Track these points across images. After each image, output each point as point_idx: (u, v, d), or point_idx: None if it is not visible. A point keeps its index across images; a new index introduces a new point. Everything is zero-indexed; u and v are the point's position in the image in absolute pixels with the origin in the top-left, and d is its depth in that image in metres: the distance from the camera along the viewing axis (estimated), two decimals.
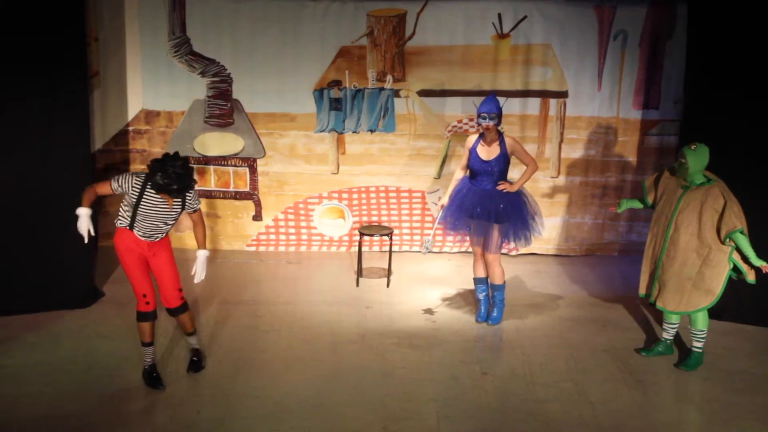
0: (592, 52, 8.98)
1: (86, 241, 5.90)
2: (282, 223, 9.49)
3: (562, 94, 9.10)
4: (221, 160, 9.31)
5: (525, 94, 9.09)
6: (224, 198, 9.40)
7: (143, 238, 5.98)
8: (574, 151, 9.24)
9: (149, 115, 9.19)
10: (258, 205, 9.43)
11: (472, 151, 7.20)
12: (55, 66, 7.15)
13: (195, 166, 9.27)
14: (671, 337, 6.88)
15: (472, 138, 7.27)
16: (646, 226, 9.34)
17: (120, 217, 5.95)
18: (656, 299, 6.70)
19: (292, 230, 9.50)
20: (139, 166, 9.22)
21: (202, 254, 6.21)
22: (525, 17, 8.87)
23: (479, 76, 9.04)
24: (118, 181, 5.84)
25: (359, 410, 5.95)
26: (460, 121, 9.17)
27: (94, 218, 6.10)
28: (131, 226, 5.92)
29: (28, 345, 6.84)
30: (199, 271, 6.20)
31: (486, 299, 7.55)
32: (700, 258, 6.44)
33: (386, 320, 7.56)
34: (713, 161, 6.46)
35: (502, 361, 6.81)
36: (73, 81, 7.34)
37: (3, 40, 6.95)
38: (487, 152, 7.14)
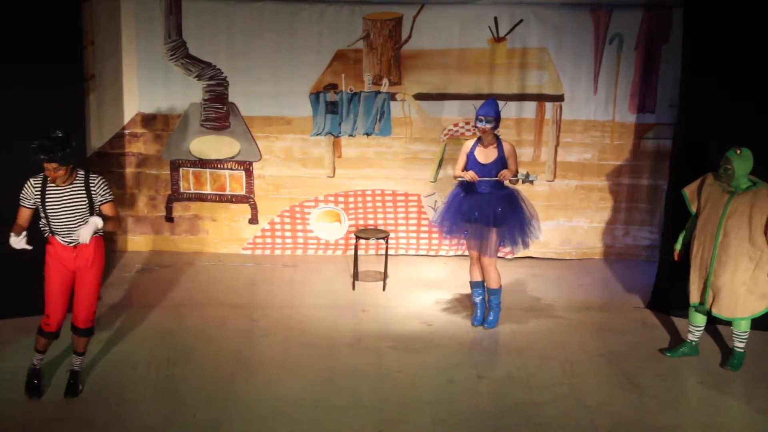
0: (588, 56, 8.98)
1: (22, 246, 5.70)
2: (278, 227, 9.48)
3: (558, 98, 9.10)
4: (217, 164, 9.30)
5: (521, 97, 9.09)
6: (220, 201, 9.39)
7: (67, 243, 5.83)
8: (570, 155, 9.24)
9: (145, 119, 9.18)
10: (254, 208, 9.42)
11: (470, 155, 7.20)
12: (52, 69, 7.14)
13: (191, 169, 9.29)
14: (697, 339, 6.88)
15: (470, 142, 7.29)
16: (642, 230, 9.39)
17: (42, 228, 5.85)
18: (711, 306, 6.64)
19: (288, 233, 9.50)
20: (134, 169, 9.22)
21: (93, 219, 5.74)
22: (521, 21, 8.87)
23: (475, 80, 9.04)
24: (22, 195, 5.79)
25: (355, 413, 5.95)
26: (456, 125, 9.17)
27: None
28: (52, 232, 5.82)
29: (23, 348, 6.80)
30: (81, 232, 5.69)
31: (482, 303, 7.55)
32: (752, 262, 6.42)
33: (382, 324, 7.55)
34: (710, 163, 6.48)
35: (498, 365, 6.81)
36: (69, 84, 7.34)
37: None
38: (485, 156, 7.15)
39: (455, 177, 7.32)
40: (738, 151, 6.32)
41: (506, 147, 7.16)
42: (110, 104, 9.00)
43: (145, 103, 9.14)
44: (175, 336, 7.17)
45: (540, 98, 9.11)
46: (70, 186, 5.77)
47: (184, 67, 9.03)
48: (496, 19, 8.88)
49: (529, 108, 9.13)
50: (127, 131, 9.18)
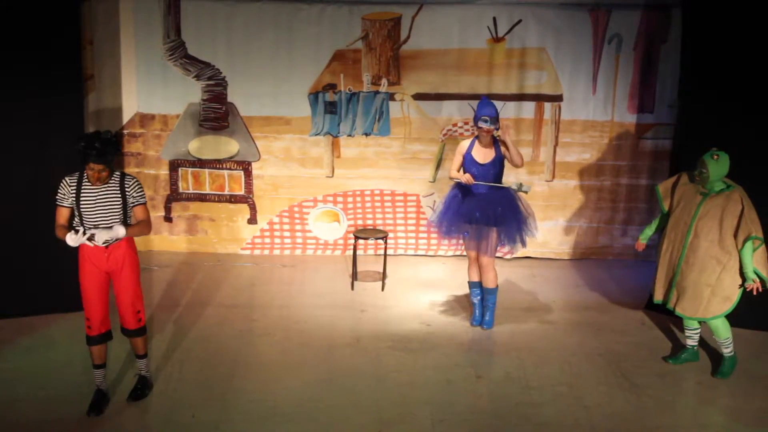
0: (586, 56, 8.99)
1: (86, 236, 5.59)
2: (277, 227, 9.48)
3: (557, 98, 9.11)
4: (216, 164, 9.30)
5: (520, 97, 9.09)
6: (219, 201, 9.40)
7: (100, 244, 5.73)
8: (569, 155, 9.25)
9: (144, 119, 9.18)
10: (253, 208, 9.42)
11: (468, 155, 7.17)
12: (50, 69, 7.14)
13: (190, 169, 9.29)
14: (695, 343, 6.85)
15: (466, 142, 7.24)
16: (640, 230, 9.35)
17: (75, 228, 5.67)
18: (675, 306, 6.65)
19: (287, 233, 9.50)
20: (133, 169, 9.21)
21: (117, 227, 5.63)
22: (520, 21, 8.88)
23: (474, 80, 9.05)
24: (59, 195, 5.70)
25: (354, 414, 5.95)
26: (455, 125, 9.18)
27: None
28: (85, 232, 5.65)
29: (22, 349, 6.83)
30: (98, 233, 5.56)
31: (480, 303, 7.55)
32: (720, 265, 6.40)
33: (381, 324, 7.56)
34: None
35: (497, 365, 6.81)
36: (67, 84, 7.33)
37: None
38: (484, 155, 7.13)
39: (451, 178, 7.30)
40: (715, 157, 6.32)
41: (503, 143, 7.12)
42: (109, 104, 9.00)
43: (143, 103, 9.15)
44: (173, 336, 7.17)
45: (539, 98, 9.12)
46: (105, 186, 5.69)
47: (182, 67, 9.03)
48: (494, 19, 8.89)
49: (528, 108, 9.13)
50: (125, 131, 9.19)
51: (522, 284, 8.64)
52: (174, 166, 9.31)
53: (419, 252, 9.53)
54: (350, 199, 9.43)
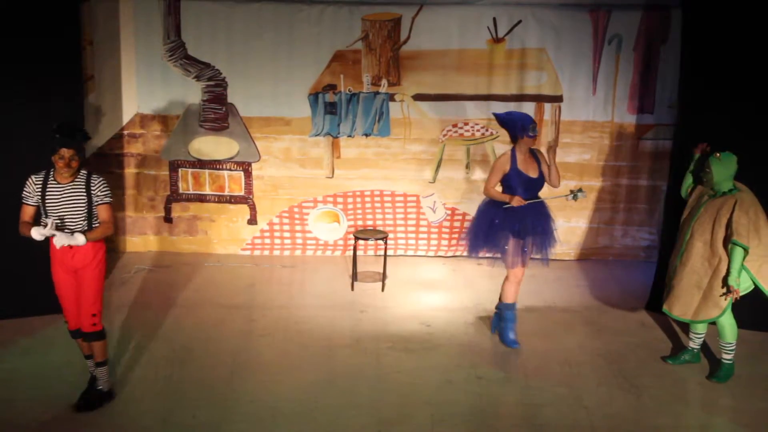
0: (586, 57, 8.99)
1: (51, 228, 5.59)
2: (277, 227, 9.48)
3: (557, 99, 9.11)
4: (216, 164, 9.30)
5: (520, 98, 9.09)
6: (219, 202, 9.40)
7: (57, 247, 5.72)
8: (569, 156, 9.24)
9: (144, 119, 9.18)
10: (253, 208, 9.42)
11: (514, 170, 6.77)
12: (50, 69, 7.14)
13: (190, 170, 9.29)
14: (697, 347, 6.82)
15: (505, 158, 6.82)
16: (640, 230, 9.40)
17: (41, 223, 5.72)
18: (664, 302, 6.65)
19: (287, 234, 9.50)
20: (133, 170, 9.22)
21: (77, 235, 5.62)
22: (520, 21, 8.88)
23: (474, 81, 9.05)
24: (24, 193, 5.74)
25: (354, 414, 5.95)
26: (455, 126, 9.18)
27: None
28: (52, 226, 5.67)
29: (21, 349, 6.83)
30: (58, 236, 5.57)
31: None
32: (711, 268, 6.36)
33: (381, 324, 7.55)
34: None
35: (497, 366, 6.80)
36: (68, 84, 7.33)
37: None
38: (530, 168, 6.84)
39: (490, 197, 6.87)
40: (718, 156, 6.29)
41: (540, 155, 6.89)
42: (109, 105, 9.01)
43: (143, 103, 9.15)
44: (173, 336, 7.17)
45: (539, 99, 9.12)
46: (71, 184, 5.71)
47: (182, 68, 9.03)
48: (494, 19, 8.89)
49: (528, 109, 9.10)
50: (125, 132, 9.18)
51: (522, 285, 8.59)
52: (174, 166, 9.31)
53: (419, 252, 9.53)
54: (350, 200, 9.43)
